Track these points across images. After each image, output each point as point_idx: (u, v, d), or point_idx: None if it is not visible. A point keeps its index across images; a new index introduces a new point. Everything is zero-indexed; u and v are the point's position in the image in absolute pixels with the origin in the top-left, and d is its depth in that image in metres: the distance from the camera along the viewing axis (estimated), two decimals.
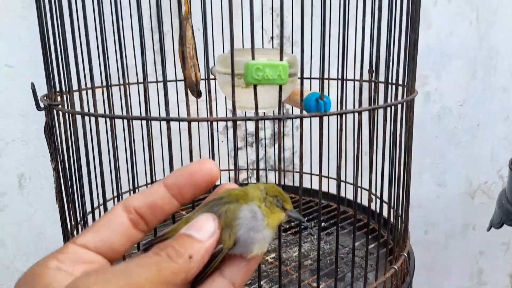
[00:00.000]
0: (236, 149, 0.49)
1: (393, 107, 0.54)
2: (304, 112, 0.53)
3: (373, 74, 0.52)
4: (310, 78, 0.95)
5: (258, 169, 0.49)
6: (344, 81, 0.50)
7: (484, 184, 1.67)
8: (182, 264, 0.24)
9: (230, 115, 0.51)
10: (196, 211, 0.29)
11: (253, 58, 0.45)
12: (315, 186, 1.02)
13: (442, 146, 1.58)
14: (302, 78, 0.51)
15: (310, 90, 0.67)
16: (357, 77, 0.56)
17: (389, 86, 0.58)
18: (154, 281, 0.23)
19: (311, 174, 1.01)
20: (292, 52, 1.05)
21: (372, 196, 0.67)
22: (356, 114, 0.50)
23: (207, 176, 0.28)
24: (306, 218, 0.92)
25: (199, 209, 0.29)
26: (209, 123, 0.46)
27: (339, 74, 0.82)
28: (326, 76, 0.51)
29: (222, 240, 0.27)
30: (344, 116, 0.49)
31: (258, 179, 0.49)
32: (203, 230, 0.26)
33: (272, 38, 1.26)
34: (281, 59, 0.45)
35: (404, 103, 0.57)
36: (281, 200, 0.31)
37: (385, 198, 0.60)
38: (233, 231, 0.28)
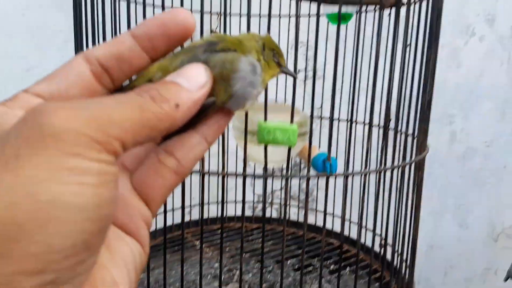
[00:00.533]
0: (244, 201, 0.51)
1: (400, 168, 0.55)
2: (311, 171, 0.55)
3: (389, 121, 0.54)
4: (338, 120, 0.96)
5: (263, 219, 0.51)
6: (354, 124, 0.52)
7: (509, 228, 1.62)
8: (168, 110, 0.21)
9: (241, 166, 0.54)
10: (175, 57, 0.25)
11: (265, 118, 0.48)
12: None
13: (466, 187, 1.56)
14: (311, 135, 0.53)
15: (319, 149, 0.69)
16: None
17: (398, 137, 0.58)
18: (135, 121, 0.20)
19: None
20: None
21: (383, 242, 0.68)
22: (362, 175, 0.51)
23: (182, 27, 0.24)
24: (316, 259, 0.92)
25: (178, 54, 0.26)
26: (220, 176, 0.49)
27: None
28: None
29: (215, 93, 0.24)
30: (350, 177, 0.51)
31: (263, 230, 0.51)
32: (193, 80, 0.23)
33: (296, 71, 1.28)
34: (292, 121, 0.48)
35: (413, 164, 0.58)
36: (277, 55, 0.29)
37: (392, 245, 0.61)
38: (230, 84, 0.25)
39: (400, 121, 0.58)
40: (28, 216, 0.16)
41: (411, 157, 0.58)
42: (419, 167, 0.60)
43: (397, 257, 0.63)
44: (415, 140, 0.59)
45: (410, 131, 0.59)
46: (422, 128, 0.61)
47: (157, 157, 0.24)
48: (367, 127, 0.55)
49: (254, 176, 0.46)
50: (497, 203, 1.59)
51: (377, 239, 0.68)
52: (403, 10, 0.50)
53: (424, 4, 0.55)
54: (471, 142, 1.53)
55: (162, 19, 0.24)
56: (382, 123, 0.53)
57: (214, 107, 0.25)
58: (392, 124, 0.54)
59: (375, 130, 0.54)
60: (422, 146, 0.62)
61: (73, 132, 0.17)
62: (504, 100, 1.52)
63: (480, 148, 1.54)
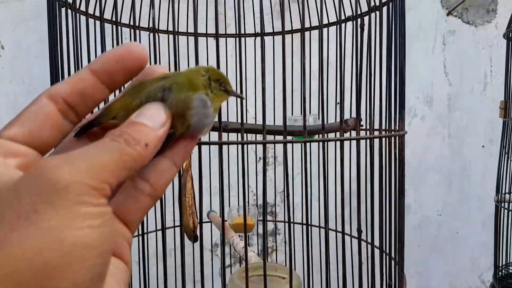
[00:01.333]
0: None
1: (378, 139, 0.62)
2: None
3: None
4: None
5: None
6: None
7: None
8: (140, 151, 0.24)
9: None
10: (133, 94, 0.28)
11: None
12: None
13: (425, 255, 1.66)
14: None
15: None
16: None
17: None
18: (118, 164, 0.22)
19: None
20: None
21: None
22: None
23: (138, 61, 0.26)
24: None
25: (129, 91, 0.28)
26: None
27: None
28: None
29: (175, 127, 0.28)
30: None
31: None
32: (154, 119, 0.25)
33: None
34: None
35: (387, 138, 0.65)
36: (223, 83, 0.32)
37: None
38: (186, 119, 0.28)
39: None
40: (57, 259, 0.19)
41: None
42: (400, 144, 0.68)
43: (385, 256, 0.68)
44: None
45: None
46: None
47: (132, 184, 0.26)
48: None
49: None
50: (454, 267, 1.69)
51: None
52: None
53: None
54: (425, 211, 1.65)
55: (119, 54, 0.26)
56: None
57: (175, 138, 0.28)
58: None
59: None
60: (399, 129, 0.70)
61: (78, 184, 0.20)
62: (449, 171, 1.68)
63: (433, 217, 1.66)
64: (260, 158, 1.36)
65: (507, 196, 1.22)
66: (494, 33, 1.71)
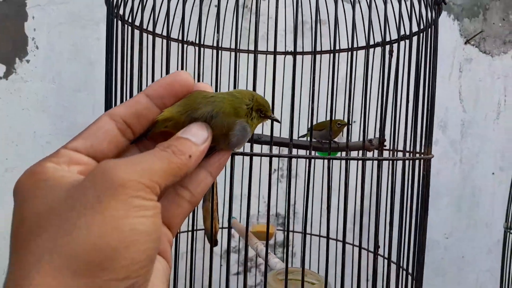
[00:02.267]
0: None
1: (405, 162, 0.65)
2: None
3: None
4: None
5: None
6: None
7: None
8: (185, 161, 0.28)
9: None
10: (178, 105, 0.32)
11: None
12: None
13: (430, 277, 1.67)
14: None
15: None
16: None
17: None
18: (166, 171, 0.26)
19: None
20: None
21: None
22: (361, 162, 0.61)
23: (185, 86, 0.31)
24: None
25: (180, 103, 0.32)
26: None
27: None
28: None
29: (218, 143, 0.33)
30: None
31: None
32: (197, 136, 0.30)
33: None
34: None
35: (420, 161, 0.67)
36: (264, 110, 0.37)
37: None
38: (228, 138, 0.33)
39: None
40: (118, 242, 0.23)
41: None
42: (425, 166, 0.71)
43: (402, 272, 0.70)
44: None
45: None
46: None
47: (175, 191, 0.31)
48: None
49: None
50: None
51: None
52: None
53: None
54: (433, 234, 1.67)
55: (168, 81, 0.31)
56: None
57: (215, 150, 0.33)
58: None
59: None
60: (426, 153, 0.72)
61: (134, 182, 0.24)
62: (459, 196, 1.70)
63: (441, 240, 1.68)
64: (275, 170, 1.40)
65: None
66: (510, 63, 1.75)
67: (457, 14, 1.69)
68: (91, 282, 0.22)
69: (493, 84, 1.74)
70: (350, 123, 0.62)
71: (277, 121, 0.42)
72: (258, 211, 1.13)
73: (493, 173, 1.75)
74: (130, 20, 0.64)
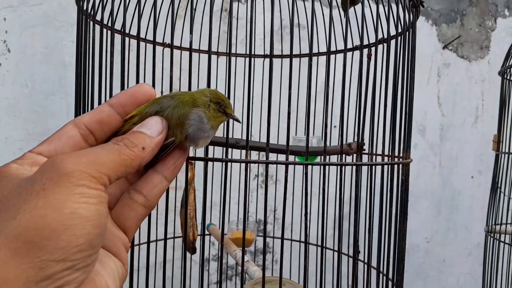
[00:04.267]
0: None
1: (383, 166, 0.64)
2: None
3: None
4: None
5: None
6: None
7: None
8: (137, 153, 0.29)
9: None
10: (145, 105, 0.34)
11: None
12: None
13: (411, 280, 1.67)
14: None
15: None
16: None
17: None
18: (116, 162, 0.28)
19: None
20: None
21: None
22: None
23: (146, 95, 0.33)
24: None
25: (147, 103, 0.34)
26: None
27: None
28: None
29: (175, 134, 0.34)
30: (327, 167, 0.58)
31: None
32: (152, 128, 0.32)
33: None
34: None
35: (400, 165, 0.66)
36: (223, 105, 0.37)
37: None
38: (184, 128, 0.34)
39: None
40: (57, 223, 0.24)
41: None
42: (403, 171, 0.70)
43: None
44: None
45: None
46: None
47: (129, 195, 0.32)
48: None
49: None
50: None
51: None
52: None
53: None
54: (413, 238, 1.68)
55: (132, 92, 0.33)
56: None
57: (175, 145, 0.34)
58: None
59: None
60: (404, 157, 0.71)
61: (79, 171, 0.25)
62: (438, 200, 1.71)
63: (421, 244, 1.69)
64: (256, 175, 1.38)
65: (497, 227, 1.25)
66: (487, 68, 1.77)
67: (435, 19, 1.71)
68: (30, 261, 0.23)
69: (471, 88, 1.76)
70: (327, 127, 0.61)
71: (237, 120, 0.42)
72: (238, 217, 1.11)
73: (472, 177, 1.77)
74: (99, 20, 0.61)
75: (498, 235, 1.23)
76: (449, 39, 1.73)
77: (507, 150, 1.25)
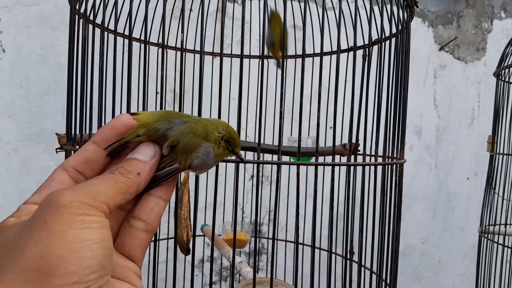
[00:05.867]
0: None
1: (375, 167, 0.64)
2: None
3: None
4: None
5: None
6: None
7: None
8: (133, 179, 0.30)
9: None
10: (155, 119, 0.35)
11: None
12: None
13: (407, 282, 1.67)
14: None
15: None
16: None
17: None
18: (113, 190, 0.29)
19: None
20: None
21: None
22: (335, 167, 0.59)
23: (126, 126, 0.34)
24: None
25: (155, 117, 0.35)
26: None
27: None
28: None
29: (179, 160, 0.34)
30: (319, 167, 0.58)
31: None
32: (145, 153, 0.33)
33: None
34: None
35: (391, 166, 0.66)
36: (233, 145, 0.38)
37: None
38: (190, 158, 0.34)
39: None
40: (63, 249, 0.25)
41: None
42: (396, 171, 0.69)
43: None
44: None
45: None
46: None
47: (128, 224, 0.32)
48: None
49: None
50: None
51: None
52: None
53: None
54: (409, 239, 1.68)
55: (112, 125, 0.33)
56: None
57: (178, 171, 0.34)
58: None
59: None
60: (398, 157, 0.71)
61: (76, 202, 0.26)
62: (434, 201, 1.71)
63: (417, 245, 1.69)
64: (251, 176, 1.38)
65: (490, 227, 1.25)
66: (483, 70, 1.78)
67: (431, 21, 1.71)
68: None
69: (467, 90, 1.77)
70: (320, 127, 0.61)
71: (242, 160, 0.43)
72: (232, 219, 1.11)
73: (467, 178, 1.77)
74: (92, 18, 0.61)
75: (492, 235, 1.23)
76: (445, 40, 1.73)
77: (502, 151, 1.25)
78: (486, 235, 1.25)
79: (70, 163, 0.32)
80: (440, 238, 1.72)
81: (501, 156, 1.25)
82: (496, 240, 1.24)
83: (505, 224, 1.23)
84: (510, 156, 1.25)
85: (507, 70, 1.25)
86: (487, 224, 1.25)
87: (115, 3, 0.60)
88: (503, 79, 1.27)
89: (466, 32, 1.78)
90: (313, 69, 0.99)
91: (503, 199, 1.23)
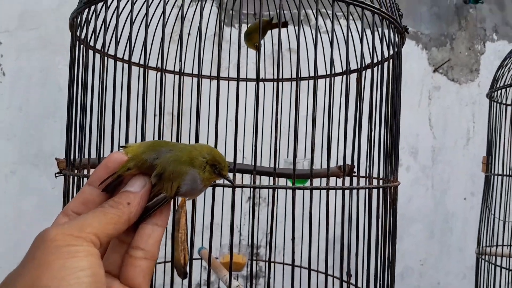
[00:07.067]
0: None
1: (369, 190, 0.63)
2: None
3: None
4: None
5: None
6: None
7: None
8: (123, 209, 0.32)
9: None
10: (143, 150, 0.36)
11: None
12: None
13: None
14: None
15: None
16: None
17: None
18: (102, 221, 0.30)
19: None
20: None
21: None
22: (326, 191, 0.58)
23: (117, 162, 0.35)
24: None
25: (143, 149, 0.36)
26: None
27: None
28: None
29: (165, 188, 0.35)
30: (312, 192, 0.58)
31: None
32: (135, 185, 0.34)
33: None
34: None
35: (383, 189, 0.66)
36: (219, 168, 0.39)
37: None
38: (175, 184, 0.35)
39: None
40: (50, 279, 0.26)
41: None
42: (390, 194, 0.69)
43: None
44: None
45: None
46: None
47: (128, 254, 0.33)
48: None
49: None
50: None
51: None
52: None
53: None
54: (408, 261, 1.67)
55: (104, 164, 0.35)
56: None
57: (167, 201, 0.35)
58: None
59: None
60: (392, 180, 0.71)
61: (61, 235, 0.28)
62: (432, 222, 1.71)
63: (416, 267, 1.68)
64: (249, 198, 1.38)
65: (488, 249, 1.25)
66: (477, 91, 1.80)
67: (425, 43, 1.75)
68: None
69: (462, 111, 1.79)
70: (314, 151, 0.62)
71: (230, 182, 0.44)
72: (231, 242, 1.10)
73: (464, 198, 1.77)
74: (92, 44, 0.63)
75: (489, 257, 1.23)
76: (439, 62, 1.76)
77: (497, 172, 1.26)
78: (483, 257, 1.25)
79: (70, 207, 0.33)
80: (438, 259, 1.72)
81: (496, 176, 1.26)
82: (493, 261, 1.24)
83: (502, 246, 1.23)
84: (505, 177, 1.26)
85: (499, 91, 1.27)
86: (484, 245, 1.25)
87: (115, 29, 0.62)
88: (495, 100, 1.29)
89: (459, 54, 1.81)
90: (308, 91, 1.01)
91: (499, 220, 1.24)
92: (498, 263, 1.23)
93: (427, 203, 1.72)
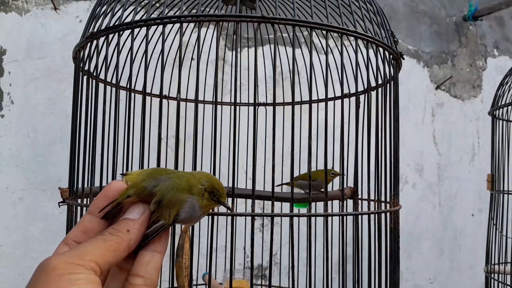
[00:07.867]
0: None
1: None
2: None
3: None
4: None
5: None
6: None
7: None
8: (123, 236, 0.32)
9: None
10: (143, 177, 0.37)
11: None
12: None
13: None
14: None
15: None
16: None
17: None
18: (102, 249, 0.31)
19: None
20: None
21: None
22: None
23: (116, 191, 0.36)
24: None
25: (142, 176, 0.37)
26: None
27: None
28: None
29: (163, 216, 0.35)
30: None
31: None
32: (134, 212, 0.34)
33: None
34: None
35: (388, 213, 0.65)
36: (217, 195, 0.39)
37: None
38: (173, 211, 0.36)
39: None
40: None
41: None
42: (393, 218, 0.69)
43: None
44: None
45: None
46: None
47: (128, 282, 0.33)
48: None
49: None
50: None
51: None
52: None
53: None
54: (417, 279, 1.65)
55: (104, 193, 0.36)
56: None
57: (165, 228, 0.35)
58: None
59: None
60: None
61: (62, 263, 0.29)
62: (440, 239, 1.70)
63: (425, 285, 1.66)
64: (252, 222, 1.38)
65: (496, 267, 1.23)
66: (480, 107, 1.80)
67: (426, 61, 1.76)
68: None
69: (466, 127, 1.79)
70: (311, 178, 0.62)
71: (229, 209, 0.45)
72: (234, 265, 1.10)
73: (472, 215, 1.76)
74: (95, 74, 0.65)
75: (498, 275, 1.21)
76: (441, 79, 1.77)
77: (502, 189, 1.25)
78: (492, 275, 1.23)
79: (70, 237, 0.34)
80: (448, 277, 1.69)
81: (501, 194, 1.26)
82: (503, 280, 1.22)
83: (511, 263, 1.21)
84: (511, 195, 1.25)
85: (501, 109, 1.27)
86: (493, 263, 1.24)
87: (117, 64, 0.64)
88: (498, 117, 1.29)
89: (461, 70, 1.82)
90: (301, 115, 1.02)
91: (506, 237, 1.23)
92: (508, 281, 1.21)
93: (435, 220, 1.70)
